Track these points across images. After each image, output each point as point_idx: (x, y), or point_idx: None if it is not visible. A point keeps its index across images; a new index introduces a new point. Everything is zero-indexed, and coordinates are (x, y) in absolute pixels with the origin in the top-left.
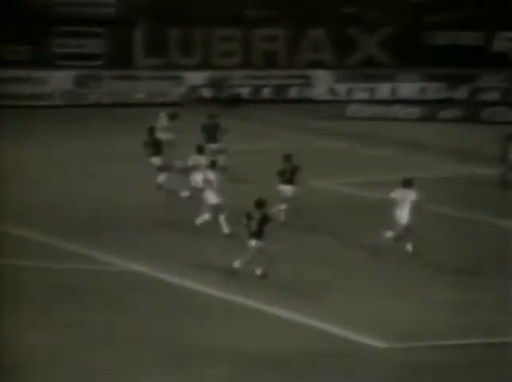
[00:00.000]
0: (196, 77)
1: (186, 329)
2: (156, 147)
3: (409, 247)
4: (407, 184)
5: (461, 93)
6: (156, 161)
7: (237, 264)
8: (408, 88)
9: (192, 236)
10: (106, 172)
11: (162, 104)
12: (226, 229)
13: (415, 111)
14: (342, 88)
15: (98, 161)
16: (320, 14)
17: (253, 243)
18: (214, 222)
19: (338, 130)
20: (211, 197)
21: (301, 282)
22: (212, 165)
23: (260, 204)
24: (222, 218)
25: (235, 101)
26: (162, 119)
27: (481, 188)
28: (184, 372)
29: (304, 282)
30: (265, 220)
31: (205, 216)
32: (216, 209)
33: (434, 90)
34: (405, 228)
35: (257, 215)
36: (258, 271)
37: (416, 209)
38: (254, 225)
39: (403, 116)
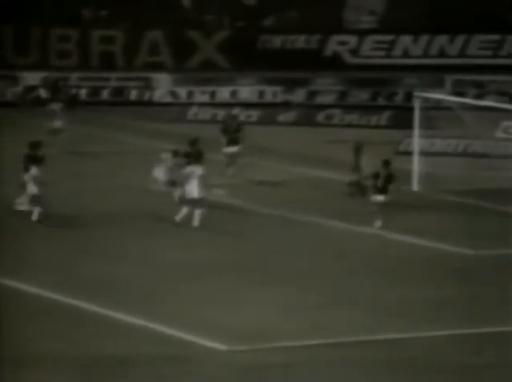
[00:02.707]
0: (32, 77)
1: (19, 333)
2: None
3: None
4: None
5: (298, 96)
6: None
7: (378, 224)
8: (247, 91)
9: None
10: None
11: None
12: (196, 222)
13: (254, 113)
14: (182, 91)
15: None
16: (158, 16)
17: (379, 197)
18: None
19: (177, 133)
20: (193, 191)
21: (140, 285)
22: (198, 159)
23: (387, 162)
24: (198, 212)
25: (72, 102)
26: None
27: (327, 191)
28: (19, 377)
29: (143, 284)
30: (390, 177)
31: (184, 211)
32: (196, 203)
33: (272, 93)
34: None
35: (384, 173)
36: (378, 224)
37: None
38: (381, 182)
39: (243, 119)
